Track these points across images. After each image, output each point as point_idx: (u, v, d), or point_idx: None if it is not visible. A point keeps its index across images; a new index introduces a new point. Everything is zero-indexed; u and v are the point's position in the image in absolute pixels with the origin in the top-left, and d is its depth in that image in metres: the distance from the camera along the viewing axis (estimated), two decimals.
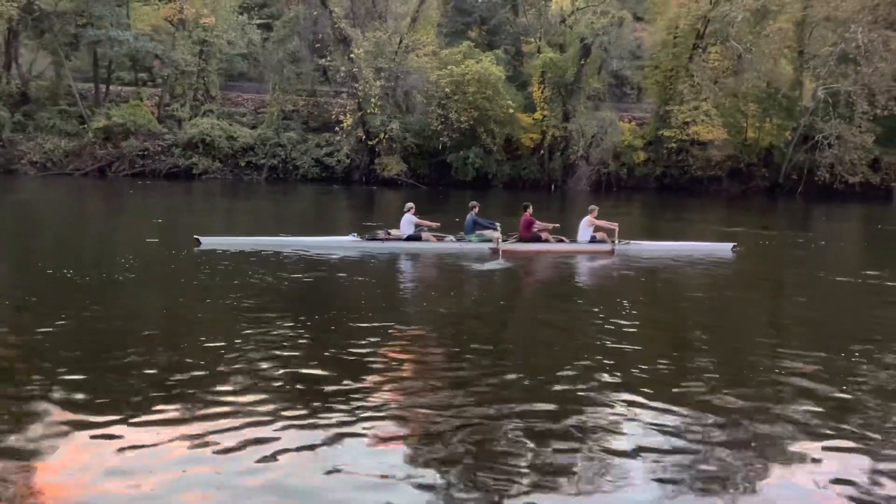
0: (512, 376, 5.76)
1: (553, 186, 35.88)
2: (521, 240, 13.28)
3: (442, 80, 32.33)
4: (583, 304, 9.48)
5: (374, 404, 5.03)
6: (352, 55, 31.28)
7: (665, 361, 6.36)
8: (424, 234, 13.21)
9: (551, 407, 5.05)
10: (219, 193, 30.00)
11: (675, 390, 5.53)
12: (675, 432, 4.67)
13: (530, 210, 13.47)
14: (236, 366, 5.80)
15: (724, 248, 14.33)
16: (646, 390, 5.47)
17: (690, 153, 36.72)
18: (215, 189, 31.04)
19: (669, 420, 4.90)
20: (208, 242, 12.56)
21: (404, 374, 5.83)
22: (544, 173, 36.14)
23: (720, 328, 8.26)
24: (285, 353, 6.16)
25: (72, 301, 8.17)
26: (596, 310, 8.65)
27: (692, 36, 34.98)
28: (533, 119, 35.77)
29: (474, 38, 37.93)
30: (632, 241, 13.77)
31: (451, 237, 13.32)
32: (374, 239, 13.05)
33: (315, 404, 4.99)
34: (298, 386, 5.40)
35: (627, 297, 9.75)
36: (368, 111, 32.33)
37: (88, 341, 6.56)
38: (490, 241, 12.98)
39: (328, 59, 32.78)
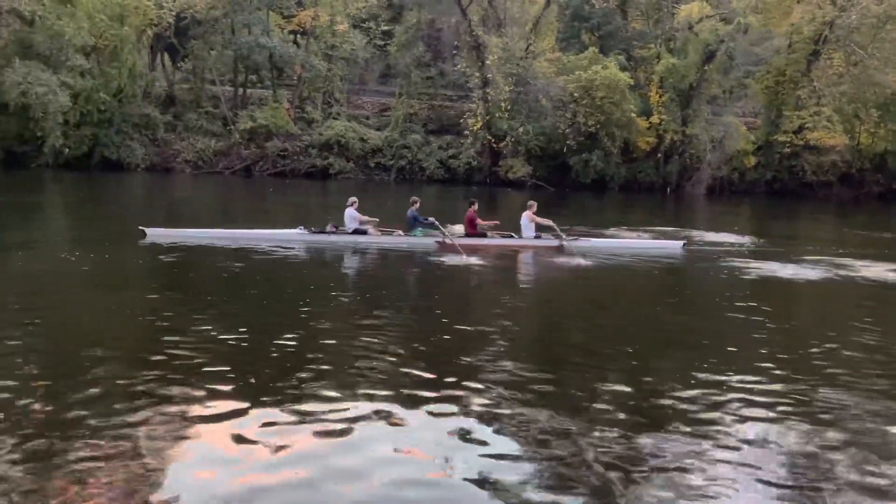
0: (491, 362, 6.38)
1: (668, 190, 36.78)
2: (466, 236, 13.48)
3: (570, 85, 33.49)
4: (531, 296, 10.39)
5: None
6: (486, 61, 32.69)
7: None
8: (371, 229, 13.42)
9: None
10: (352, 192, 31.76)
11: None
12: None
13: (475, 206, 13.77)
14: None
15: (674, 246, 14.39)
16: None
17: (804, 158, 37.18)
18: (349, 188, 32.79)
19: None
20: (154, 234, 12.57)
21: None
22: (659, 176, 37.02)
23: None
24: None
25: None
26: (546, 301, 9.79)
27: (811, 41, 35.40)
28: (649, 123, 36.67)
29: (586, 43, 38.91)
30: (581, 238, 14.00)
31: (399, 231, 13.54)
32: (320, 232, 13.17)
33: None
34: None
35: (581, 292, 10.60)
36: (497, 115, 33.74)
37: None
38: (436, 236, 13.26)
39: (463, 65, 34.24)
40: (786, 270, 12.32)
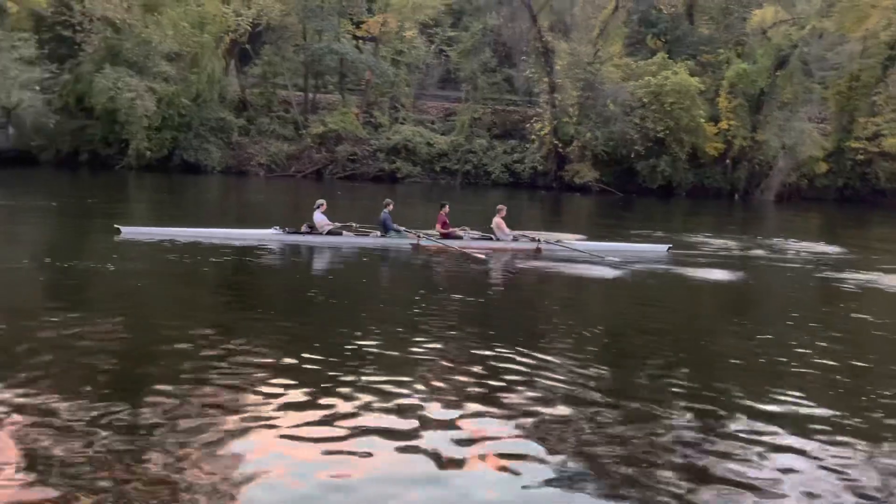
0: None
1: (736, 196, 36.38)
2: (442, 237, 13.48)
3: (638, 91, 33.43)
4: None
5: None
6: (556, 66, 32.88)
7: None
8: (339, 230, 13.39)
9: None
10: (418, 196, 32.23)
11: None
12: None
13: (446, 209, 13.75)
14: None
15: (659, 250, 14.20)
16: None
17: (877, 165, 36.39)
18: (415, 192, 33.26)
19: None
20: (128, 232, 12.67)
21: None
22: (727, 182, 36.64)
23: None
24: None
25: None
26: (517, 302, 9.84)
27: (888, 46, 34.67)
28: (717, 128, 36.32)
29: (652, 47, 38.74)
30: (562, 241, 13.93)
31: (377, 233, 13.55)
32: (295, 232, 13.20)
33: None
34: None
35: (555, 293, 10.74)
36: (564, 120, 33.89)
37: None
38: (411, 238, 13.32)
39: (531, 70, 34.49)
40: (885, 280, 12.22)
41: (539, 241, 13.64)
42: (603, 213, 28.42)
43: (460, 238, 13.56)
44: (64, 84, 30.65)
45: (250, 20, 33.78)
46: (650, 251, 14.31)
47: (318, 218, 13.37)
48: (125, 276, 10.20)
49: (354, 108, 36.69)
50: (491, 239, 13.71)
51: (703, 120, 34.64)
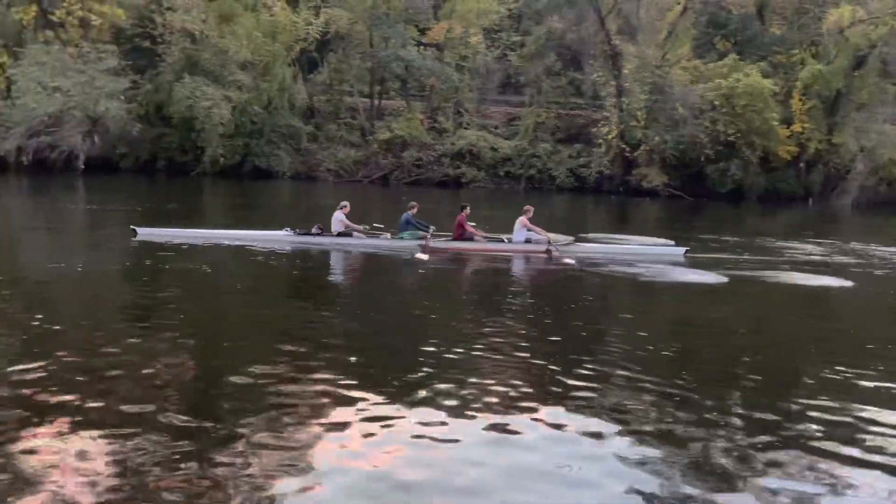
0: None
1: (810, 201, 35.36)
2: (454, 239, 13.34)
3: (708, 94, 32.85)
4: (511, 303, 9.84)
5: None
6: (624, 70, 32.59)
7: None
8: (346, 228, 13.29)
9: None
10: (482, 201, 32.30)
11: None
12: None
13: (467, 211, 13.55)
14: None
15: (676, 253, 13.80)
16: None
17: None
18: (479, 196, 33.33)
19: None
20: (144, 233, 12.77)
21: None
22: (800, 187, 35.65)
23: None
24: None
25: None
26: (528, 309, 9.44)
27: None
28: (790, 131, 35.38)
29: (720, 49, 38.01)
30: (577, 242, 13.70)
31: (387, 234, 13.51)
32: (306, 234, 13.20)
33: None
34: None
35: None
36: (632, 124, 33.55)
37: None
38: (421, 238, 13.16)
39: (598, 74, 34.28)
40: None
41: (549, 242, 13.35)
42: (672, 217, 27.96)
43: (473, 240, 13.49)
44: (145, 94, 31.81)
45: (319, 29, 34.50)
46: (666, 254, 13.97)
47: (337, 216, 13.36)
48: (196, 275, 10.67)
49: (419, 114, 37.05)
50: (502, 241, 13.65)
51: (775, 122, 33.80)
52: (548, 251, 13.22)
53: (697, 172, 34.81)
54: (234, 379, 5.64)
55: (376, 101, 38.57)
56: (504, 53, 42.21)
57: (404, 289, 11.24)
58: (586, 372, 6.22)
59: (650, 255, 13.80)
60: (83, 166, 29.09)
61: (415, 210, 13.56)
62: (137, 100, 31.07)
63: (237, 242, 13.08)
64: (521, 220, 13.47)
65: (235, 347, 6.86)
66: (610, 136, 34.36)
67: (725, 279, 11.65)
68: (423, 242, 13.09)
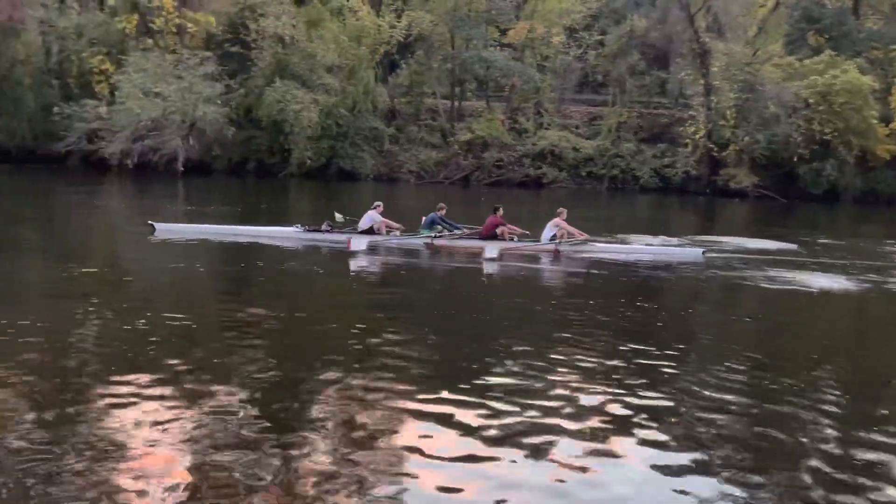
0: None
1: None
2: (482, 238, 13.48)
3: (803, 91, 31.70)
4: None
5: None
6: (712, 67, 31.79)
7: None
8: (376, 225, 13.52)
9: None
10: (564, 201, 31.97)
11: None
12: None
13: (500, 212, 13.71)
14: None
15: (694, 254, 13.57)
16: None
17: None
18: (560, 197, 33.04)
19: None
20: (162, 229, 13.37)
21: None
22: None
23: None
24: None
25: None
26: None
27: None
28: (889, 129, 33.75)
29: (813, 45, 36.60)
30: (596, 243, 13.76)
31: (396, 232, 13.69)
32: (315, 230, 13.49)
33: None
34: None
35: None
36: (720, 123, 32.68)
37: None
38: (433, 235, 13.41)
39: (686, 72, 33.55)
40: None
41: (559, 242, 13.44)
42: (762, 219, 27.06)
43: (495, 238, 13.58)
44: (236, 97, 32.82)
45: (403, 32, 34.91)
46: (683, 255, 13.87)
47: (370, 215, 13.67)
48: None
49: (500, 115, 37.04)
50: (527, 240, 13.77)
51: (874, 121, 32.35)
52: (556, 250, 13.39)
53: (788, 173, 33.59)
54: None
55: (456, 103, 38.76)
56: (583, 53, 41.70)
57: (436, 290, 11.39)
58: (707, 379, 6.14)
59: (667, 255, 13.85)
60: (182, 168, 30.27)
61: (443, 211, 13.98)
62: (231, 104, 32.03)
63: (250, 239, 13.51)
64: (554, 220, 13.70)
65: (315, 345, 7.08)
66: (697, 136, 33.55)
67: (852, 283, 11.37)
68: (428, 241, 13.39)
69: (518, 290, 11.19)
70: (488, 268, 12.47)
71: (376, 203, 13.85)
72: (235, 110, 33.48)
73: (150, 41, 33.04)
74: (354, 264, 12.49)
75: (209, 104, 30.11)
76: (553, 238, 13.49)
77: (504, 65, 35.60)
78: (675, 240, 16.12)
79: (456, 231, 13.77)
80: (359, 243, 12.91)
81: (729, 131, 32.89)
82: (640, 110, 38.38)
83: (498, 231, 13.48)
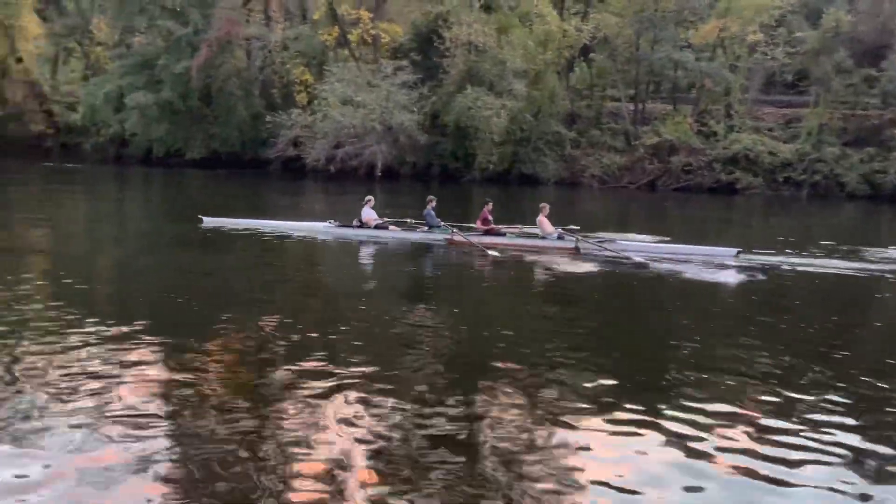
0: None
1: None
2: (485, 234, 13.70)
3: None
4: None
5: None
6: None
7: None
8: (365, 219, 14.24)
9: None
10: (758, 209, 30.07)
11: None
12: None
13: (489, 206, 14.16)
14: None
15: (727, 254, 12.93)
16: None
17: None
18: (756, 205, 31.12)
19: None
20: (209, 222, 14.66)
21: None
22: None
23: None
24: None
25: None
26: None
27: None
28: None
29: None
30: (617, 240, 13.65)
31: (424, 228, 14.19)
32: (345, 226, 14.39)
33: None
34: None
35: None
36: None
37: None
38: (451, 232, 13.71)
39: None
40: None
41: (577, 239, 13.36)
42: None
43: (503, 234, 13.84)
44: (427, 104, 33.85)
45: (589, 35, 34.46)
46: (716, 254, 13.17)
47: (367, 213, 14.34)
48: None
49: (688, 117, 35.60)
50: (536, 237, 13.81)
51: None
52: (576, 248, 13.29)
53: None
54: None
55: (640, 105, 37.71)
56: (778, 51, 39.03)
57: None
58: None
59: (699, 254, 13.28)
60: (379, 174, 31.67)
61: (433, 204, 14.37)
62: (424, 111, 33.09)
63: (288, 232, 14.58)
64: (540, 217, 13.70)
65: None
66: None
67: None
68: (449, 237, 13.74)
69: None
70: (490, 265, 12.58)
71: (367, 198, 14.68)
72: (423, 117, 34.61)
73: (345, 52, 34.87)
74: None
75: (405, 112, 31.23)
76: (560, 236, 13.56)
77: (695, 66, 34.13)
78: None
79: (437, 227, 14.19)
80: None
81: None
82: (845, 111, 35.41)
83: (478, 223, 14.03)
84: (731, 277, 11.45)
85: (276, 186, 30.85)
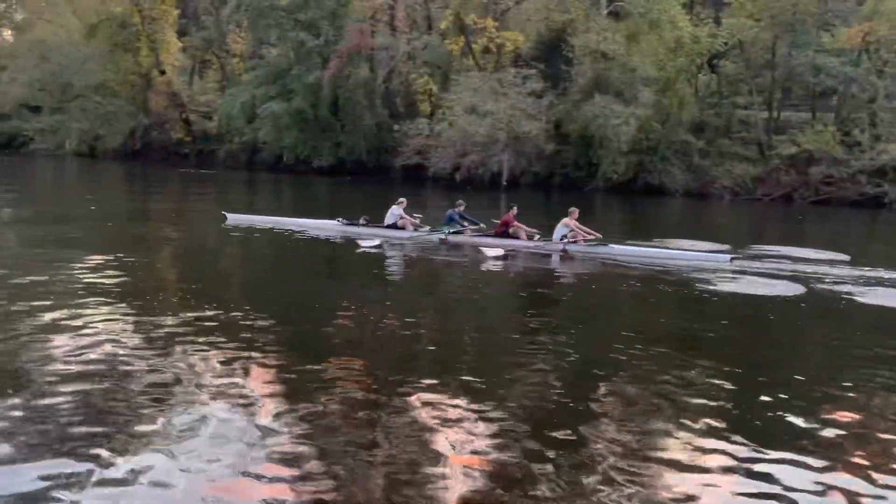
0: None
1: None
2: (495, 235, 14.17)
3: None
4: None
5: None
6: None
7: None
8: (401, 222, 14.65)
9: None
10: None
11: None
12: None
13: (514, 211, 14.31)
14: None
15: (722, 259, 13.06)
16: None
17: None
18: None
19: None
20: (233, 219, 15.81)
21: None
22: None
23: None
24: None
25: None
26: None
27: None
28: None
29: None
30: (611, 245, 13.73)
31: (427, 227, 14.62)
32: (352, 224, 14.98)
33: None
34: None
35: None
36: None
37: None
38: (447, 232, 14.25)
39: None
40: None
41: (565, 242, 13.61)
42: None
43: (506, 237, 14.04)
44: (551, 112, 33.58)
45: (723, 41, 33.19)
46: (710, 259, 13.23)
47: (392, 210, 14.75)
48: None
49: (830, 127, 33.57)
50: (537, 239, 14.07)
51: None
52: (563, 250, 13.55)
53: None
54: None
55: (775, 114, 35.91)
56: None
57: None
58: None
59: (693, 259, 13.37)
60: (505, 182, 31.71)
61: (461, 208, 14.86)
62: (552, 120, 32.88)
63: (301, 229, 15.41)
64: (565, 220, 13.88)
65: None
66: None
67: None
68: (442, 236, 14.21)
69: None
70: (491, 265, 12.83)
71: (400, 199, 15.06)
72: (546, 125, 34.36)
73: (469, 61, 35.18)
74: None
75: (532, 120, 31.13)
76: (563, 238, 13.68)
77: (840, 71, 32.15)
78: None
79: (473, 226, 14.62)
80: (369, 242, 13.63)
81: None
82: None
83: (510, 230, 14.09)
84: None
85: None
